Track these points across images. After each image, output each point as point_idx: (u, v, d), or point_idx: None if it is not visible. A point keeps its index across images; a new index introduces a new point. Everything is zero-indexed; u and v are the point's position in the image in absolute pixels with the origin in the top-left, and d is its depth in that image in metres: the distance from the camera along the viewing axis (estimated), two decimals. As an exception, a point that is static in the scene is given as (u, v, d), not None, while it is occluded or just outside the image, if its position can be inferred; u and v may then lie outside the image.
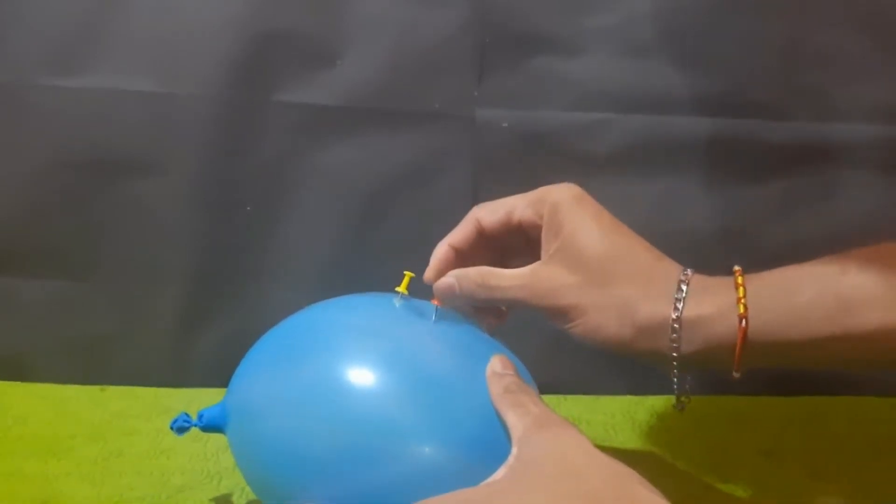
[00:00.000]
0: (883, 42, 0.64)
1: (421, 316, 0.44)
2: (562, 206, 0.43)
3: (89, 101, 0.62)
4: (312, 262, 0.65)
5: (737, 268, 0.40)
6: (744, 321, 0.38)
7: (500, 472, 0.35)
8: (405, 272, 0.44)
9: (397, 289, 0.44)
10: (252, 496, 0.50)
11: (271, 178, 0.64)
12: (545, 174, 0.66)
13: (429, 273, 0.45)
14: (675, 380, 0.42)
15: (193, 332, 0.66)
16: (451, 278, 0.44)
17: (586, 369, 0.69)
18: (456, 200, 0.65)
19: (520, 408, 0.37)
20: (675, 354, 0.40)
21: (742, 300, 0.39)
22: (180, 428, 0.45)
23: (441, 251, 0.45)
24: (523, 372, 0.43)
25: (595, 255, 0.41)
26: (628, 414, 0.65)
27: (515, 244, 0.46)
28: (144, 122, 0.62)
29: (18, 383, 0.65)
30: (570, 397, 0.67)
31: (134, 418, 0.60)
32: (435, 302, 0.44)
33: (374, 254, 0.65)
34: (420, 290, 0.46)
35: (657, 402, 0.67)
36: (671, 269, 0.42)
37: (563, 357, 0.68)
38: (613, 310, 0.40)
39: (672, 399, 0.67)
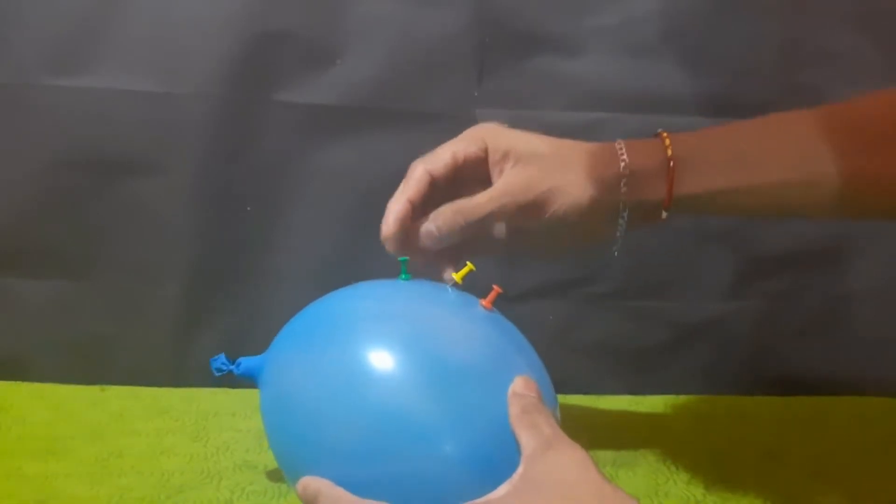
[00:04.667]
0: (883, 42, 0.64)
1: (464, 312, 0.43)
2: (498, 133, 0.48)
3: (89, 101, 0.62)
4: (312, 262, 0.66)
5: (661, 131, 0.47)
6: (671, 163, 0.45)
7: (503, 489, 0.36)
8: (468, 262, 0.45)
9: (454, 274, 0.45)
10: (252, 496, 0.50)
11: (271, 178, 0.64)
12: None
13: (387, 229, 0.47)
14: (620, 236, 0.47)
15: (193, 332, 0.66)
16: (428, 223, 0.46)
17: (586, 369, 0.69)
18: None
19: (533, 429, 0.38)
20: (626, 203, 0.46)
21: (668, 148, 0.46)
22: (218, 369, 0.46)
23: (399, 207, 0.47)
24: (547, 386, 0.43)
25: (547, 153, 0.47)
26: (628, 413, 0.65)
27: (459, 191, 0.48)
28: (144, 122, 0.62)
29: (18, 383, 0.65)
30: (570, 397, 0.67)
31: (134, 418, 0.60)
32: (484, 303, 0.44)
33: (374, 253, 0.65)
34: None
35: (656, 402, 0.67)
36: (607, 144, 0.48)
37: (564, 357, 0.68)
38: (582, 179, 0.46)
39: (671, 399, 0.68)
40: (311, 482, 0.39)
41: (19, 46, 0.61)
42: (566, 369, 0.68)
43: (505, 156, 0.47)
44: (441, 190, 0.47)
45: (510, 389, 0.40)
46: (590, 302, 0.68)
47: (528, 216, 0.46)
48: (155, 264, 0.65)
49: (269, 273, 0.66)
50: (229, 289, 0.66)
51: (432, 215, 0.46)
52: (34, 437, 0.57)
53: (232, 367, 0.46)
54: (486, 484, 0.37)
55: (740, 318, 0.68)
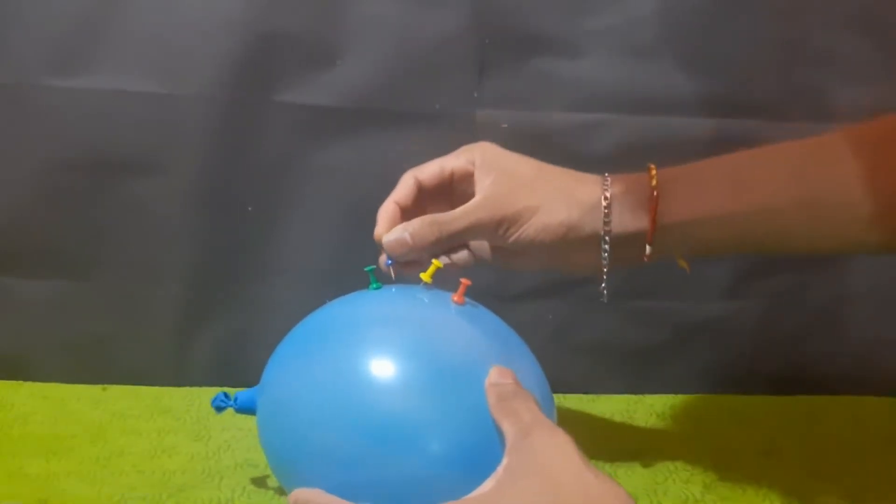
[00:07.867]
0: (883, 42, 0.64)
1: (441, 309, 0.44)
2: (490, 150, 0.49)
3: (90, 101, 0.62)
4: (313, 262, 0.66)
5: (650, 165, 0.47)
6: (655, 192, 0.45)
7: (488, 484, 0.36)
8: (433, 261, 0.45)
9: (422, 275, 0.45)
10: (254, 496, 0.50)
11: (272, 179, 0.65)
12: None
13: (379, 229, 0.48)
14: (605, 268, 0.47)
15: (194, 331, 0.66)
16: (399, 231, 0.46)
17: (585, 369, 0.69)
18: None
19: (512, 416, 0.38)
20: (607, 231, 0.46)
21: (654, 177, 0.46)
22: (218, 407, 0.48)
23: (388, 208, 0.48)
24: (537, 373, 0.44)
25: (530, 174, 0.48)
26: (627, 413, 0.65)
27: (446, 203, 0.49)
28: (145, 123, 0.62)
29: (19, 383, 0.65)
30: (569, 396, 0.67)
31: (135, 418, 0.61)
32: (455, 298, 0.44)
33: (374, 254, 0.65)
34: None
35: (655, 402, 0.67)
36: (594, 176, 0.48)
37: (563, 357, 0.68)
38: (560, 198, 0.46)
39: (670, 398, 0.68)
40: (302, 493, 0.39)
41: (19, 46, 0.61)
42: (565, 369, 0.68)
43: (488, 172, 0.47)
44: (431, 200, 0.48)
45: (486, 381, 0.40)
46: (589, 302, 0.67)
47: (501, 235, 0.46)
48: (155, 264, 0.65)
49: (269, 273, 0.66)
50: (229, 289, 0.66)
51: (406, 223, 0.46)
52: (35, 437, 0.57)
53: (230, 402, 0.48)
54: (478, 480, 0.37)
55: (740, 318, 0.68)
